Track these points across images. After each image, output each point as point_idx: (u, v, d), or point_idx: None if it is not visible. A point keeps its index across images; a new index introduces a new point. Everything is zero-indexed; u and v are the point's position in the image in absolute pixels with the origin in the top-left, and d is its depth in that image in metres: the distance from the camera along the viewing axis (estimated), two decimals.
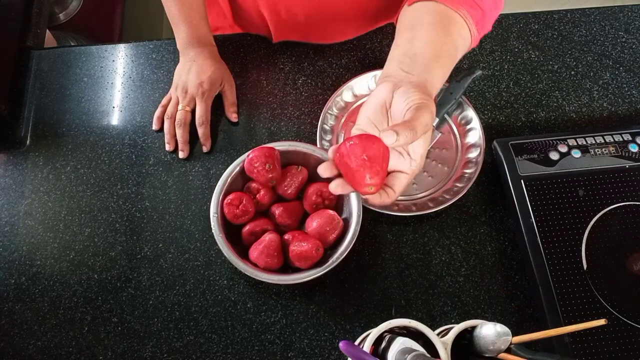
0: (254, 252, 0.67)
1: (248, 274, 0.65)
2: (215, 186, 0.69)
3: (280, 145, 0.71)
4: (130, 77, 0.86)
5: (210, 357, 0.68)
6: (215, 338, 0.69)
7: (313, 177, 0.73)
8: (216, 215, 0.68)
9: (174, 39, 0.83)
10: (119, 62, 0.87)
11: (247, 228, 0.69)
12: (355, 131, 0.54)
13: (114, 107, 0.84)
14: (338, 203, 0.72)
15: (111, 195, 0.77)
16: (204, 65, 0.80)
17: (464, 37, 0.60)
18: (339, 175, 0.51)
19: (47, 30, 1.11)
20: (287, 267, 0.69)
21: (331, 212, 0.69)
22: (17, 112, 0.84)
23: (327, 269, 0.65)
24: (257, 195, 0.71)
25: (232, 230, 0.70)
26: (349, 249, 0.66)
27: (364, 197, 0.52)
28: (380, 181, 0.48)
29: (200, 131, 0.79)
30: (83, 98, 0.85)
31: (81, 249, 0.74)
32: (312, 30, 0.84)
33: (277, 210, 0.70)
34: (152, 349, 0.68)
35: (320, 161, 0.71)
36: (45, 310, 0.71)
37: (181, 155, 0.79)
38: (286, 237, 0.69)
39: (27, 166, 0.80)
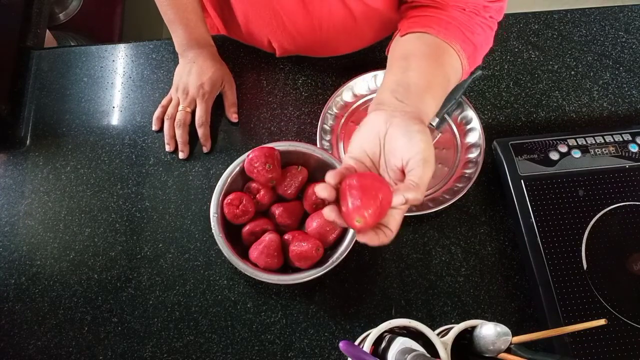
0: (254, 252, 0.67)
1: (248, 274, 0.65)
2: (215, 186, 0.69)
3: (280, 145, 0.71)
4: (130, 77, 0.86)
5: (210, 357, 0.68)
6: (215, 338, 0.69)
7: (313, 177, 0.73)
8: (216, 215, 0.68)
9: None
10: (119, 62, 0.87)
11: (247, 228, 0.69)
12: (347, 159, 0.52)
13: (114, 107, 0.84)
14: None
15: (111, 195, 0.77)
16: (204, 66, 0.80)
17: (455, 70, 0.60)
18: (336, 199, 0.48)
19: (47, 30, 1.11)
20: (287, 267, 0.69)
21: None
22: (17, 112, 0.84)
23: (327, 269, 0.65)
24: (257, 195, 0.71)
25: (232, 230, 0.70)
26: (349, 249, 0.66)
27: (361, 239, 0.50)
28: (371, 220, 0.46)
29: (200, 132, 0.79)
30: (83, 98, 0.85)
31: (81, 249, 0.74)
32: (314, 51, 0.84)
33: (277, 210, 0.70)
34: (152, 349, 0.68)
35: (320, 161, 0.71)
36: (45, 310, 0.71)
37: (181, 155, 0.79)
38: (286, 237, 0.68)
39: (27, 166, 0.80)
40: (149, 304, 0.71)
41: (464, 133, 0.78)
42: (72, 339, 0.69)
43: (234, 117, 0.81)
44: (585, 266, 0.68)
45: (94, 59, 0.88)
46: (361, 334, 0.65)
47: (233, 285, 0.71)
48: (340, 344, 0.45)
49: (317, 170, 0.73)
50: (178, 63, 0.83)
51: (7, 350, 0.69)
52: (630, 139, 0.75)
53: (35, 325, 0.70)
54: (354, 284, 0.71)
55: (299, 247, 0.66)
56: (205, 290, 0.71)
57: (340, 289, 0.71)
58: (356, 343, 0.60)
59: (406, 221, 0.74)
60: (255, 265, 0.67)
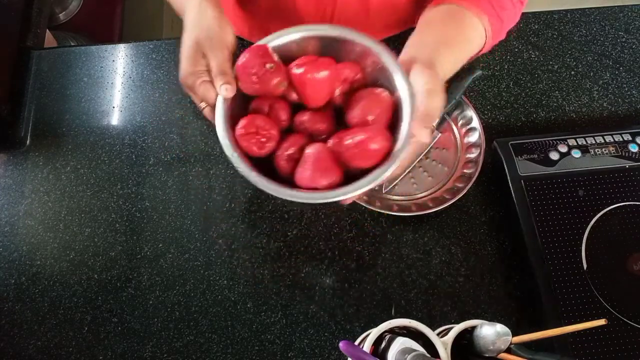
0: (305, 173, 0.51)
1: (309, 201, 0.52)
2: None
3: (276, 40, 0.55)
4: (130, 77, 0.86)
5: (210, 357, 0.68)
6: (215, 338, 0.69)
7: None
8: (235, 154, 0.51)
9: (174, 38, 0.82)
10: (119, 62, 0.87)
11: (280, 154, 0.53)
12: None
13: (114, 107, 0.84)
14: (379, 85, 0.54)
15: (111, 195, 0.77)
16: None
17: (479, 34, 0.61)
18: None
19: (47, 30, 1.11)
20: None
21: (377, 89, 0.53)
22: (17, 112, 0.84)
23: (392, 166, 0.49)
24: (271, 111, 0.55)
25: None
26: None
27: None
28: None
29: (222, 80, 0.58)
30: (83, 98, 0.85)
31: (81, 249, 0.74)
32: None
33: (303, 117, 0.54)
34: (152, 349, 0.68)
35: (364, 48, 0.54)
36: (45, 310, 0.71)
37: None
38: (330, 142, 0.52)
39: (27, 166, 0.80)
40: (149, 304, 0.71)
41: (464, 133, 0.78)
42: (72, 339, 0.69)
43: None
44: (585, 266, 0.68)
45: (94, 59, 0.88)
46: (361, 334, 0.65)
47: (233, 285, 0.71)
48: (340, 344, 0.45)
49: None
50: (178, 63, 0.82)
51: (7, 350, 0.69)
52: (630, 139, 0.75)
53: (35, 325, 0.70)
54: (354, 284, 0.71)
55: (355, 139, 0.49)
56: (205, 290, 0.71)
57: (340, 289, 0.71)
58: (356, 343, 0.60)
59: (406, 221, 0.74)
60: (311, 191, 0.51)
